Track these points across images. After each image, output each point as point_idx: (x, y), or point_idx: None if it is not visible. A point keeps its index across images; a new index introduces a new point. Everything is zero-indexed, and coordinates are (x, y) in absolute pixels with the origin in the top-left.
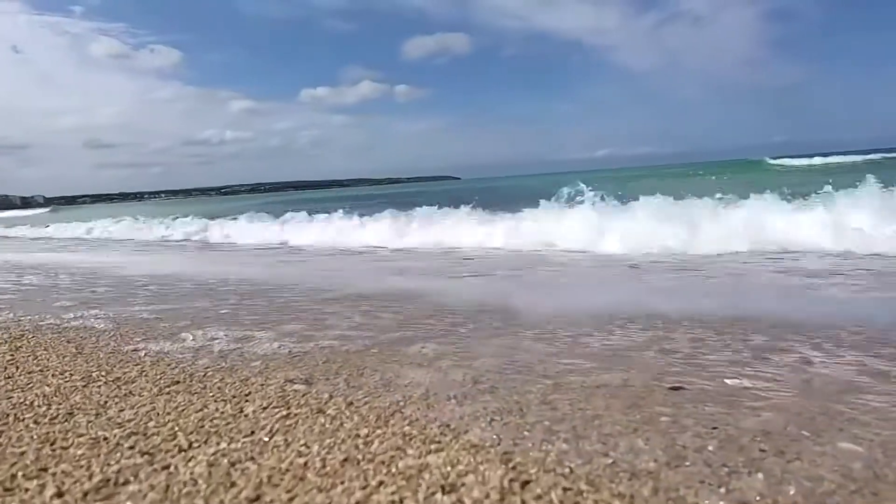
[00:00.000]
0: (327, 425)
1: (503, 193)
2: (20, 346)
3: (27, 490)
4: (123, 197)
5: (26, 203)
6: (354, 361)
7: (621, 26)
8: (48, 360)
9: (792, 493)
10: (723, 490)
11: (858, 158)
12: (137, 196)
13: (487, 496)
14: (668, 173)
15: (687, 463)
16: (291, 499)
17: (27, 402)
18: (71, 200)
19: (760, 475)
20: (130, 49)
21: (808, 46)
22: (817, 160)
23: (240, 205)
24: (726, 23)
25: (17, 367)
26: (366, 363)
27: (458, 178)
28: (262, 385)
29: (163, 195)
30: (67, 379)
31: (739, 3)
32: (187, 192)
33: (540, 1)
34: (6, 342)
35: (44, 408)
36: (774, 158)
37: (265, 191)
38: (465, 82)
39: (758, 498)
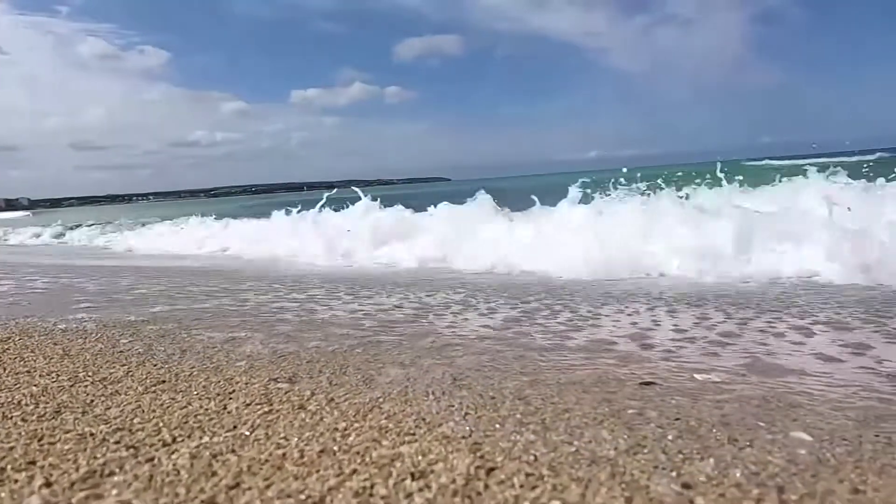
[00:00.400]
0: (307, 420)
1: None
2: (7, 349)
3: (16, 481)
4: (111, 199)
5: (10, 205)
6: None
7: (611, 29)
8: (35, 361)
9: (737, 475)
10: (674, 474)
11: (850, 159)
12: (126, 198)
13: (454, 481)
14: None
15: (645, 450)
16: (268, 486)
17: (15, 402)
18: (56, 203)
19: (711, 460)
20: (118, 50)
21: (794, 49)
22: (799, 161)
23: (224, 207)
24: (714, 26)
25: (4, 369)
26: (348, 362)
27: (449, 180)
28: (247, 384)
29: (151, 197)
30: (55, 379)
31: (727, 7)
32: (177, 194)
33: (531, 3)
34: None
35: (31, 406)
36: (759, 160)
37: (256, 192)
38: (457, 84)
39: (704, 480)
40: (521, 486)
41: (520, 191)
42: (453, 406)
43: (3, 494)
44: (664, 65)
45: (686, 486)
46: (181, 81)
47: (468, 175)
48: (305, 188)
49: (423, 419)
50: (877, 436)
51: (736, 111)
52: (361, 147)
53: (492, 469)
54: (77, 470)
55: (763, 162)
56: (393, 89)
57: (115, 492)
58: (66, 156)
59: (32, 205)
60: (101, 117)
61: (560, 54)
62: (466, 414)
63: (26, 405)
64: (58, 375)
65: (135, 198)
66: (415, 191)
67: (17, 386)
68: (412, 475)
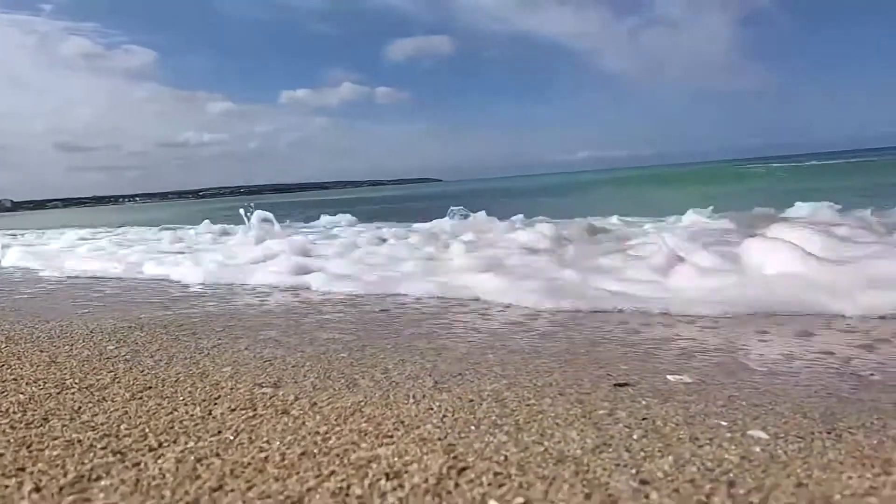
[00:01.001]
0: (290, 424)
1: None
2: None
3: (6, 486)
4: (98, 200)
5: None
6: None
7: (601, 31)
8: (22, 369)
9: (693, 471)
10: (634, 471)
11: (842, 161)
12: (112, 199)
13: (426, 480)
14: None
15: (610, 449)
16: (250, 487)
17: (2, 410)
18: (40, 205)
19: (671, 458)
20: (103, 49)
21: (782, 50)
22: (787, 163)
23: (211, 208)
24: (702, 28)
25: None
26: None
27: (440, 181)
28: (232, 389)
29: (138, 199)
30: (41, 387)
31: (714, 9)
32: (164, 196)
33: (522, 4)
34: None
35: (19, 414)
36: (750, 162)
37: (245, 193)
38: (448, 85)
39: (661, 476)
40: (489, 485)
41: (524, 191)
42: (432, 409)
43: None
44: (654, 66)
45: (643, 482)
46: (168, 81)
47: (459, 176)
48: (322, 188)
49: (402, 422)
50: (829, 432)
51: (725, 113)
52: (352, 148)
53: (463, 469)
54: (65, 475)
55: (745, 166)
56: (383, 90)
57: (102, 496)
58: (51, 156)
59: (16, 206)
60: (87, 117)
61: (551, 55)
62: (444, 416)
63: (14, 413)
64: (44, 383)
65: (122, 199)
66: (405, 191)
67: (5, 393)
68: (387, 475)
